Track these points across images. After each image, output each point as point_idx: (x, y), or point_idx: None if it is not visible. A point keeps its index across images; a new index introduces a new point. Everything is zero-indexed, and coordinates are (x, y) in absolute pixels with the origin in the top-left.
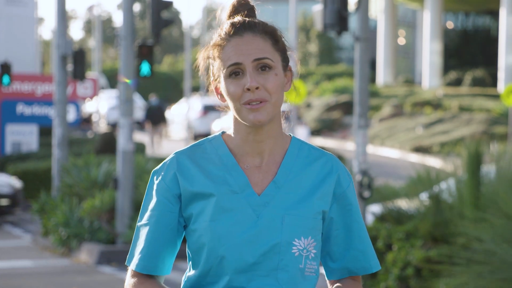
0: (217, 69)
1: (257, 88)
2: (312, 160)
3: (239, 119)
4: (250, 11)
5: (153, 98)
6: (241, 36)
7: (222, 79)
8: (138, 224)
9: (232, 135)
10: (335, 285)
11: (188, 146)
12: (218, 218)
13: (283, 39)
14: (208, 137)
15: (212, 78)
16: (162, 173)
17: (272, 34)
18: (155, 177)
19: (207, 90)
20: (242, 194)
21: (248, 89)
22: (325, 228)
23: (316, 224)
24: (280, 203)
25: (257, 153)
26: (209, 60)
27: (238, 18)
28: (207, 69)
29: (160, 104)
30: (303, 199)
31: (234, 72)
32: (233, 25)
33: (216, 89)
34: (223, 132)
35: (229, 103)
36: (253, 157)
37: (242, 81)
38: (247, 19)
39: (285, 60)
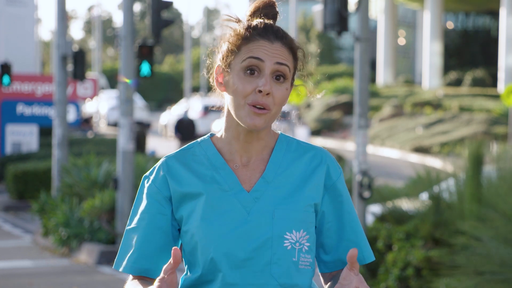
0: (232, 58)
1: (267, 94)
2: (301, 153)
3: (235, 116)
4: (273, 15)
5: (185, 111)
6: (271, 43)
7: (234, 69)
8: (128, 228)
9: (223, 132)
10: (333, 277)
11: (178, 149)
12: (208, 217)
13: (301, 60)
14: (198, 139)
15: (218, 63)
16: (152, 177)
17: (294, 52)
18: (145, 181)
19: (207, 71)
20: (231, 191)
21: (260, 91)
22: (318, 221)
23: (308, 217)
24: (270, 198)
25: (244, 152)
26: (223, 43)
27: (271, 23)
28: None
29: (192, 119)
30: (293, 192)
31: (251, 68)
32: (266, 28)
33: (218, 75)
34: (212, 134)
35: (232, 96)
36: (241, 156)
37: (256, 81)
38: (280, 27)
39: (293, 79)
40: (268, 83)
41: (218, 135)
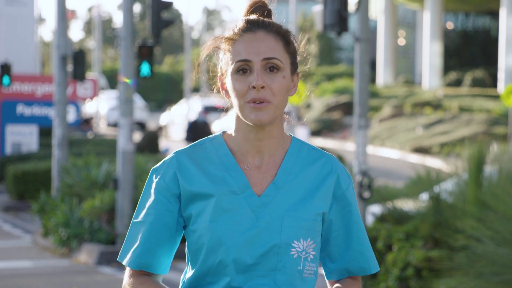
0: (225, 63)
1: (262, 87)
2: (311, 161)
3: (241, 116)
4: (266, 13)
5: (199, 113)
6: (254, 33)
7: (229, 74)
8: (134, 220)
9: (233, 134)
10: (335, 285)
11: (189, 145)
12: (217, 219)
13: (295, 42)
14: (209, 136)
15: (219, 73)
16: (162, 172)
17: (285, 36)
18: (154, 175)
19: (209, 85)
20: (242, 195)
21: (254, 87)
22: (325, 230)
23: (315, 226)
24: (279, 204)
25: (257, 152)
26: (216, 52)
27: (253, 16)
28: (208, 67)
29: (207, 120)
30: (303, 200)
31: (242, 68)
32: (247, 21)
33: (222, 84)
34: (224, 132)
35: (233, 99)
36: (253, 157)
37: (249, 79)
38: (262, 18)
39: (294, 64)
40: (259, 77)
41: (229, 133)
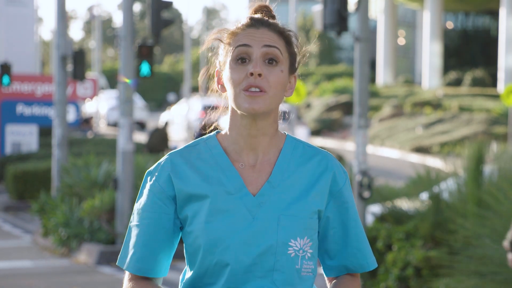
0: (225, 55)
1: (259, 74)
2: (307, 158)
3: (234, 107)
4: (271, 18)
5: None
6: (257, 29)
7: (227, 64)
8: (131, 224)
9: (227, 132)
10: (333, 282)
11: (183, 146)
12: (213, 220)
13: (296, 45)
14: (203, 137)
15: (217, 68)
16: (156, 174)
17: (286, 36)
18: (148, 178)
19: (207, 89)
20: (237, 195)
21: (251, 74)
22: (322, 227)
23: (312, 224)
24: (275, 203)
25: (251, 149)
26: (216, 48)
27: (258, 15)
28: (209, 64)
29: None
30: (299, 198)
31: (241, 57)
32: (251, 18)
33: (219, 79)
34: (218, 132)
35: (228, 90)
36: (247, 155)
37: (247, 67)
38: (267, 18)
39: (293, 65)
40: (258, 65)
41: (223, 132)
